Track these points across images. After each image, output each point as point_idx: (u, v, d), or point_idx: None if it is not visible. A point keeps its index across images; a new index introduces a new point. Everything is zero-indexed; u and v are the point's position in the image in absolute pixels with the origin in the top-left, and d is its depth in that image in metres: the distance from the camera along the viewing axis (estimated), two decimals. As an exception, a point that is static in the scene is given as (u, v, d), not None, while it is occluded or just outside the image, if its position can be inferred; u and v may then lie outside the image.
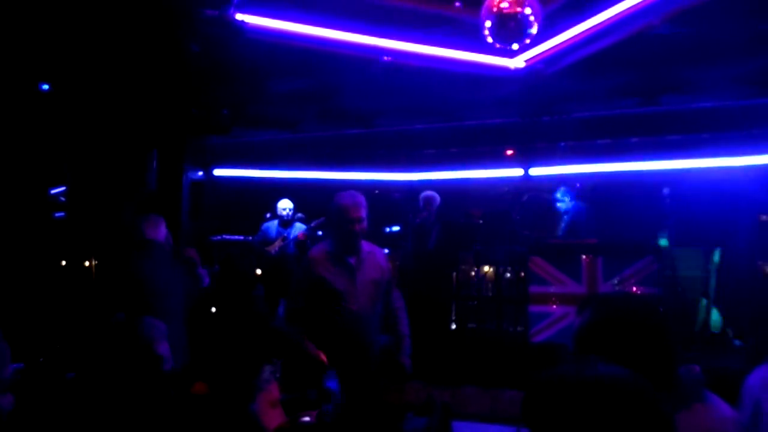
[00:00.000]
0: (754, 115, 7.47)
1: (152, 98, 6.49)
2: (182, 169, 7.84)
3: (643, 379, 1.16)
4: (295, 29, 5.67)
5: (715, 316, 6.52)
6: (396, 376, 4.00)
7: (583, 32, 5.67)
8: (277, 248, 7.81)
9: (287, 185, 8.85)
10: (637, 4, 5.22)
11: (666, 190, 7.44)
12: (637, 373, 1.19)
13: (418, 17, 5.71)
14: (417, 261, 7.53)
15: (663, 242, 6.78)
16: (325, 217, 7.87)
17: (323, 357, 3.82)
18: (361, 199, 3.94)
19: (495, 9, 4.73)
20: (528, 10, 4.69)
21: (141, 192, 6.93)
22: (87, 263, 7.15)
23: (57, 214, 8.45)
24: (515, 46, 5.14)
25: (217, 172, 9.28)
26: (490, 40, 4.96)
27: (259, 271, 7.45)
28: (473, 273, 7.77)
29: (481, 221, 8.17)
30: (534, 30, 4.84)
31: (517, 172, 8.72)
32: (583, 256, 6.19)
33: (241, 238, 8.65)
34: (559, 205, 7.59)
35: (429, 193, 7.84)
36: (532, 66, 6.31)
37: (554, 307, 6.13)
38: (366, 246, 4.03)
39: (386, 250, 5.05)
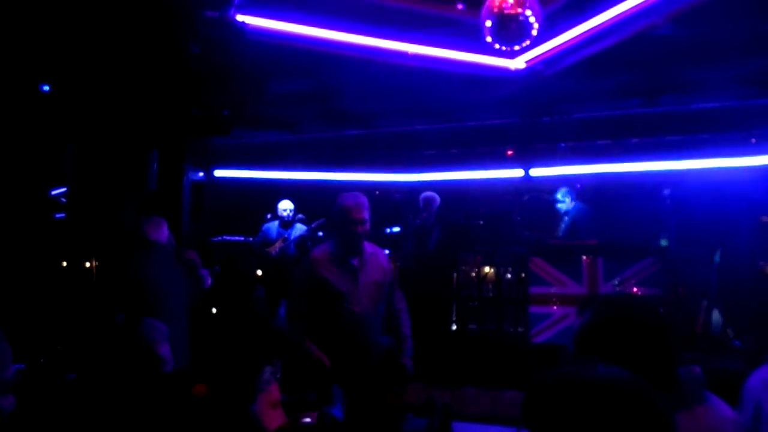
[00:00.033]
0: (755, 116, 7.47)
1: (153, 99, 6.49)
2: (183, 170, 7.83)
3: (642, 380, 1.16)
4: (296, 30, 5.67)
5: (716, 316, 6.50)
6: (397, 377, 3.99)
7: (583, 33, 5.67)
8: (277, 249, 7.82)
9: (288, 186, 8.85)
10: (638, 5, 5.22)
11: (666, 191, 7.44)
12: (638, 374, 1.19)
13: (418, 18, 5.71)
14: (417, 262, 7.53)
15: (663, 243, 6.78)
16: (326, 218, 7.89)
17: (325, 358, 3.83)
18: (364, 200, 3.94)
19: (495, 10, 4.73)
20: (528, 11, 4.69)
21: (142, 193, 6.92)
22: (88, 264, 7.15)
23: (57, 215, 8.45)
24: (516, 47, 5.13)
25: (218, 173, 9.28)
26: (490, 40, 4.96)
27: (259, 272, 7.45)
28: (474, 274, 7.77)
29: (481, 222, 8.17)
30: (534, 31, 4.84)
31: (517, 172, 8.71)
32: (584, 257, 6.18)
33: (242, 238, 8.65)
34: (559, 205, 7.58)
35: (429, 193, 7.84)
36: (533, 67, 6.31)
37: (555, 307, 6.13)
38: (368, 247, 4.03)
39: (387, 251, 5.05)
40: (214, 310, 5.25)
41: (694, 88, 7.23)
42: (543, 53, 6.05)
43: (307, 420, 2.65)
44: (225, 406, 2.26)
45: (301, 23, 5.66)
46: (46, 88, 6.55)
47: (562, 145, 8.56)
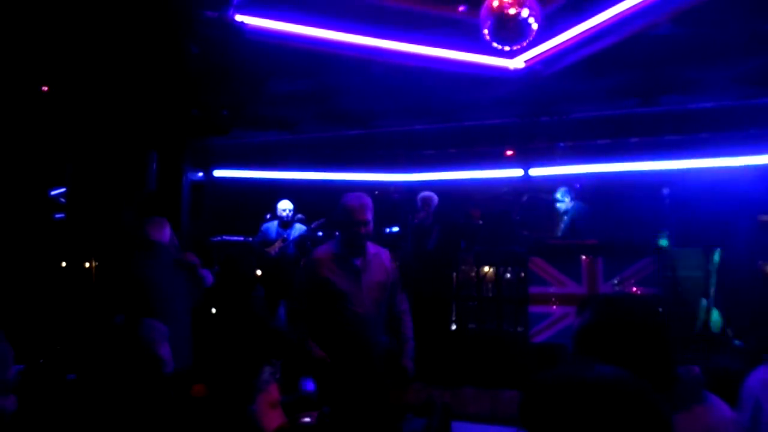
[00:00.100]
0: (754, 115, 7.47)
1: (152, 99, 6.49)
2: (182, 170, 7.84)
3: (640, 380, 1.16)
4: (295, 30, 5.67)
5: (715, 316, 6.51)
6: (398, 379, 3.99)
7: (582, 33, 5.67)
8: (277, 249, 7.82)
9: (287, 186, 8.85)
10: (636, 4, 5.22)
11: (666, 191, 7.45)
12: (637, 373, 1.19)
13: (417, 18, 5.72)
14: (417, 261, 7.54)
15: (663, 242, 6.79)
16: (326, 218, 7.89)
17: (326, 357, 3.82)
18: (368, 200, 3.93)
19: (495, 10, 4.73)
20: (527, 11, 4.70)
21: (141, 193, 6.92)
22: (87, 264, 7.15)
23: (57, 216, 8.45)
24: (515, 47, 5.14)
25: (217, 173, 9.29)
26: (489, 40, 4.96)
27: (258, 272, 7.45)
28: (473, 273, 7.77)
29: (480, 222, 8.17)
30: (533, 31, 4.84)
31: (516, 172, 8.73)
32: (583, 257, 6.19)
33: (241, 239, 8.65)
34: (558, 205, 7.59)
35: (427, 193, 7.85)
36: (532, 66, 6.32)
37: (554, 307, 6.14)
38: (371, 248, 4.02)
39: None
40: (213, 310, 5.26)
41: (693, 88, 7.24)
42: (542, 53, 6.05)
43: (307, 420, 2.65)
44: (224, 406, 2.27)
45: (301, 23, 5.66)
46: (46, 88, 6.55)
47: (561, 144, 8.56)
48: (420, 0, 5.53)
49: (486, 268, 7.72)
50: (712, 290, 6.64)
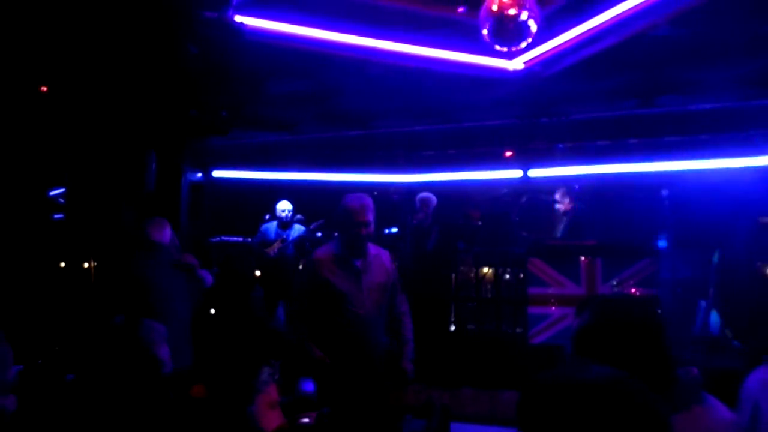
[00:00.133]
0: (753, 117, 7.47)
1: (151, 100, 6.49)
2: (181, 171, 7.84)
3: (637, 381, 1.16)
4: (294, 31, 5.66)
5: (714, 317, 6.51)
6: (397, 380, 3.99)
7: (581, 34, 5.67)
8: (276, 250, 7.81)
9: (286, 187, 8.85)
10: (636, 6, 5.22)
11: (665, 192, 7.44)
12: (635, 374, 1.19)
13: (416, 19, 5.71)
14: (416, 262, 7.54)
15: (662, 244, 6.79)
16: (325, 219, 7.89)
17: (325, 359, 3.82)
18: (369, 202, 3.92)
19: (494, 11, 4.73)
20: (526, 13, 4.69)
21: (140, 194, 6.92)
22: (86, 265, 7.15)
23: (56, 216, 8.45)
24: (514, 48, 5.14)
25: (216, 173, 9.28)
26: (488, 41, 4.96)
27: (257, 273, 7.46)
28: (472, 274, 7.77)
29: (480, 223, 8.18)
30: (533, 32, 4.84)
31: (515, 173, 8.72)
32: (582, 258, 6.18)
33: (240, 239, 8.65)
34: (557, 206, 7.59)
35: (425, 194, 7.85)
36: (531, 67, 6.31)
37: (553, 308, 6.13)
38: (372, 249, 4.01)
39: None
40: (212, 311, 5.25)
41: (692, 89, 7.24)
42: (541, 54, 6.05)
43: (305, 420, 2.65)
44: (223, 407, 2.27)
45: (300, 24, 5.66)
46: (45, 88, 6.55)
47: (561, 145, 8.56)
48: (419, 1, 5.52)
49: (485, 269, 7.73)
50: (711, 291, 6.65)
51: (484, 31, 4.78)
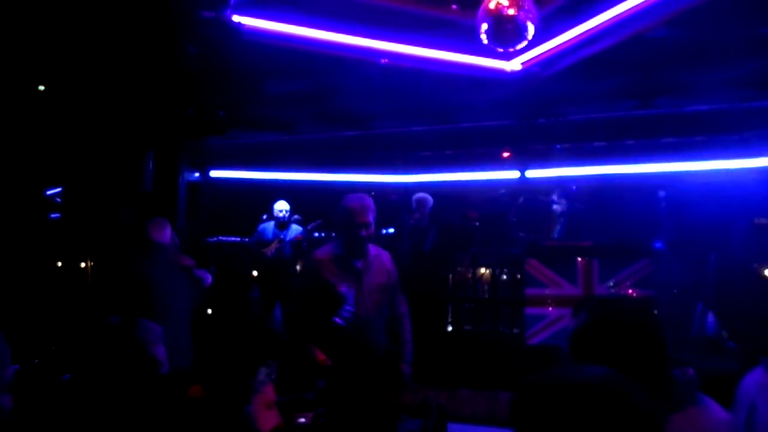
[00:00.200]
0: (750, 118, 7.49)
1: (149, 99, 6.48)
2: (178, 171, 7.83)
3: (629, 382, 1.17)
4: (292, 31, 5.66)
5: (711, 318, 6.53)
6: (394, 382, 3.98)
7: (579, 35, 5.68)
8: (273, 250, 7.81)
9: (284, 187, 8.84)
10: (633, 7, 5.23)
11: (662, 193, 7.46)
12: (631, 375, 1.19)
13: (414, 19, 5.71)
14: (413, 263, 7.53)
15: (659, 245, 6.79)
16: (323, 219, 7.89)
17: (325, 360, 3.81)
18: (370, 202, 3.91)
19: (491, 11, 4.73)
20: (524, 13, 4.70)
21: (137, 193, 6.92)
22: (83, 264, 7.14)
23: (53, 215, 8.44)
24: (512, 49, 5.14)
25: (214, 173, 9.26)
26: (486, 42, 4.96)
27: (255, 273, 7.44)
28: (469, 275, 7.77)
29: (477, 223, 8.18)
30: (530, 33, 4.84)
31: (513, 174, 8.72)
32: (579, 259, 6.19)
33: (238, 239, 8.64)
34: (555, 207, 7.59)
35: (421, 195, 7.85)
36: (529, 68, 6.32)
37: (550, 309, 6.14)
38: (373, 249, 4.00)
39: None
40: (209, 311, 5.25)
41: (690, 91, 7.25)
42: (539, 55, 6.05)
43: (302, 420, 2.65)
44: (220, 407, 2.26)
45: (298, 24, 5.66)
46: (42, 88, 6.54)
47: (558, 146, 8.57)
48: (417, 1, 5.53)
49: (482, 270, 7.72)
50: (707, 293, 6.66)
51: (482, 32, 4.79)
